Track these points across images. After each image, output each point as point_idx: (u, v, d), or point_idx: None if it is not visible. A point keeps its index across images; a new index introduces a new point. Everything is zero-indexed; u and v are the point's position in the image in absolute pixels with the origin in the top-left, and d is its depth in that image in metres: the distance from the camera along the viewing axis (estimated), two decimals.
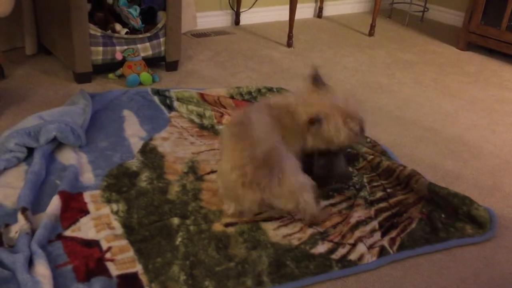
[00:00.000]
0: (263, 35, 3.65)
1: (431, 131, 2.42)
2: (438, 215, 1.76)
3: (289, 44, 3.43)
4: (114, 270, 1.42)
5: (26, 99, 2.39)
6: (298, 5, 3.40)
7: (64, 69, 2.72)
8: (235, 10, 3.78)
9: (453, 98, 2.81)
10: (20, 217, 1.53)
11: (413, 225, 1.71)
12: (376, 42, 3.70)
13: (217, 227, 1.61)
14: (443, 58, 3.44)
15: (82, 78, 2.58)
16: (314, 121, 1.62)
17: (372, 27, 3.81)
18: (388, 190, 1.89)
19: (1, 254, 1.39)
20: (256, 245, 1.54)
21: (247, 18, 3.86)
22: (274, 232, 1.61)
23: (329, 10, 4.30)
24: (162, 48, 2.75)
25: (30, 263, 1.38)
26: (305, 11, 4.16)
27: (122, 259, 1.46)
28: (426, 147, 2.27)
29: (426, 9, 4.30)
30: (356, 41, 3.70)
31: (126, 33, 2.65)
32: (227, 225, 1.62)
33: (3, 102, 2.27)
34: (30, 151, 1.89)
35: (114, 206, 1.67)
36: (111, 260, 1.45)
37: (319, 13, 4.23)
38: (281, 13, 3.89)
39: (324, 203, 1.78)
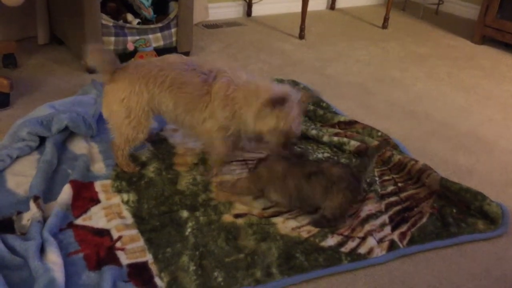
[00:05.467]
0: (275, 26, 3.63)
1: (444, 126, 2.39)
2: (449, 210, 1.74)
3: (301, 36, 3.40)
4: (125, 259, 1.43)
5: (38, 89, 2.40)
6: None
7: (75, 59, 2.73)
8: (247, 1, 3.76)
9: (467, 92, 2.78)
10: (32, 205, 1.55)
11: (424, 220, 1.69)
12: (390, 35, 3.66)
13: (227, 218, 1.62)
14: (458, 52, 3.40)
15: (93, 68, 2.58)
16: (278, 101, 1.61)
17: (386, 19, 3.77)
18: (399, 185, 1.87)
19: (14, 242, 1.41)
20: (266, 237, 1.54)
21: (259, 9, 3.85)
22: (283, 224, 1.61)
23: (342, 2, 4.27)
24: (174, 39, 2.75)
25: (42, 250, 1.39)
26: (317, 3, 4.12)
27: (133, 248, 1.47)
28: (439, 142, 2.24)
29: (441, 2, 4.25)
30: (369, 33, 3.67)
31: (138, 23, 2.65)
32: (236, 216, 1.62)
33: (16, 91, 2.29)
34: (42, 140, 1.90)
35: (125, 196, 1.68)
36: (122, 249, 1.46)
37: (331, 5, 4.19)
38: (293, 5, 3.87)
39: None
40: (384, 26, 3.79)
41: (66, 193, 1.63)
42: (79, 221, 1.55)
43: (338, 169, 1.60)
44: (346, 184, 1.57)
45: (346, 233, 1.60)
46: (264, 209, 1.68)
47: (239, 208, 1.67)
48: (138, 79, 1.70)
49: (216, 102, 1.70)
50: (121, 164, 1.80)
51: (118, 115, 1.72)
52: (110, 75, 1.73)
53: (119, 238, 1.50)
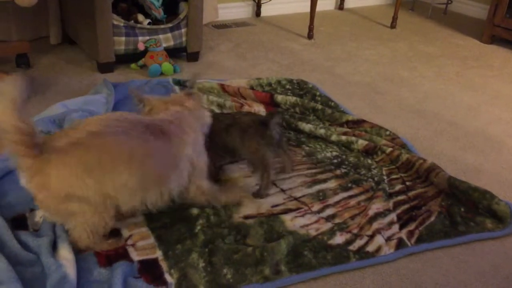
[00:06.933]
0: (284, 26, 3.64)
1: (452, 125, 2.39)
2: (457, 209, 1.75)
3: (310, 36, 3.41)
4: (135, 255, 1.45)
5: (51, 88, 2.43)
6: None
7: (87, 59, 2.77)
8: (256, 1, 3.78)
9: (475, 92, 2.78)
10: None
11: (432, 218, 1.70)
12: (398, 35, 3.66)
13: (237, 218, 1.63)
14: (466, 52, 3.39)
15: (105, 67, 2.61)
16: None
17: (394, 19, 3.77)
18: (407, 183, 1.88)
19: (27, 238, 1.43)
20: (274, 235, 1.56)
21: (268, 9, 3.86)
22: (292, 222, 1.63)
23: (351, 2, 4.27)
24: (184, 39, 2.77)
25: (54, 246, 1.41)
26: (326, 3, 4.13)
27: (143, 245, 1.49)
28: (447, 141, 2.25)
29: (449, 2, 4.24)
30: (377, 33, 3.67)
31: (149, 23, 2.68)
32: (246, 217, 1.64)
33: (29, 91, 2.32)
34: None
35: None
36: (132, 245, 1.48)
37: (340, 5, 4.20)
38: (302, 5, 3.88)
39: (342, 195, 1.79)
40: (393, 25, 3.79)
41: None
42: None
43: (248, 118, 1.76)
44: (255, 130, 1.72)
45: (354, 231, 1.61)
46: (273, 206, 1.70)
47: (249, 206, 1.68)
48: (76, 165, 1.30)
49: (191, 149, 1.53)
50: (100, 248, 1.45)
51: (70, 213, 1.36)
52: (33, 155, 1.27)
53: (130, 236, 1.52)
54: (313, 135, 2.14)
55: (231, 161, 1.90)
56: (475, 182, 1.88)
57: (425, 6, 4.35)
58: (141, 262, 1.43)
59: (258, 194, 1.74)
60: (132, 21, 2.63)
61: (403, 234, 1.62)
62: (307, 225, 1.62)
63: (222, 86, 2.46)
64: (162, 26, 2.67)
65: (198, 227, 1.57)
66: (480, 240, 1.64)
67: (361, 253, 1.53)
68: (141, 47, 2.62)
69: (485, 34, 3.55)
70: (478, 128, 2.38)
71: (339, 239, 1.57)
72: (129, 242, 1.49)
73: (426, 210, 1.74)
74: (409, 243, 1.58)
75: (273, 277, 1.41)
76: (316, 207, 1.71)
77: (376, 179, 1.88)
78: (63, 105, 2.03)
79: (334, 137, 2.10)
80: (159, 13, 2.72)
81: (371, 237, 1.59)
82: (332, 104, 2.44)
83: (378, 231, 1.61)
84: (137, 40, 2.61)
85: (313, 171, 1.91)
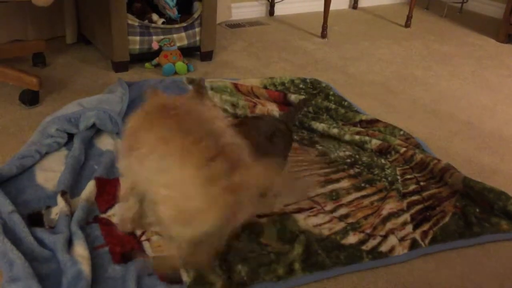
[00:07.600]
0: (297, 26, 3.64)
1: (468, 125, 2.37)
2: (472, 209, 1.73)
3: (323, 35, 3.41)
4: (151, 252, 1.46)
5: (66, 87, 2.46)
6: None
7: (102, 58, 2.79)
8: (270, 1, 3.78)
9: (491, 91, 2.75)
10: (60, 199, 1.59)
11: (446, 219, 1.69)
12: (413, 34, 3.63)
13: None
14: (482, 51, 3.36)
15: (119, 67, 2.64)
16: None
17: (409, 18, 3.74)
18: (421, 183, 1.87)
19: (43, 235, 1.45)
20: (288, 234, 1.56)
21: (281, 9, 3.86)
22: (305, 221, 1.63)
23: (365, 1, 4.25)
24: (197, 38, 2.78)
25: (70, 243, 1.43)
26: (340, 2, 4.12)
27: (157, 241, 1.50)
28: (462, 141, 2.23)
29: (465, 0, 4.19)
30: (392, 32, 3.65)
31: (163, 23, 2.69)
32: (259, 216, 1.64)
33: (45, 90, 2.35)
34: (70, 136, 1.95)
35: None
36: (147, 240, 1.49)
37: (354, 4, 4.18)
38: (316, 4, 3.87)
39: (356, 194, 1.78)
40: (407, 24, 3.76)
41: (89, 189, 1.66)
42: (105, 216, 1.59)
43: (276, 122, 1.76)
44: (288, 137, 1.75)
45: (367, 231, 1.60)
46: (285, 205, 1.70)
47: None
48: None
49: None
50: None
51: None
52: None
53: (143, 233, 1.53)
54: (326, 134, 2.14)
55: None
56: (491, 182, 1.86)
57: (440, 5, 4.31)
58: (156, 258, 1.44)
59: None
60: (147, 21, 2.64)
61: (417, 234, 1.61)
62: (320, 225, 1.62)
63: (235, 85, 2.47)
64: (176, 26, 2.68)
65: None
66: (495, 242, 1.63)
67: (374, 253, 1.52)
68: (155, 46, 2.64)
69: (501, 33, 3.51)
70: (494, 128, 2.36)
71: (352, 238, 1.57)
72: (143, 238, 1.51)
73: (440, 210, 1.73)
74: (422, 244, 1.58)
75: (286, 276, 1.41)
76: (329, 206, 1.71)
77: (389, 179, 1.88)
78: (79, 104, 2.05)
79: (347, 137, 2.10)
80: (173, 12, 2.73)
81: (385, 237, 1.58)
82: (346, 103, 2.43)
83: (391, 231, 1.60)
84: (151, 39, 2.63)
85: (326, 170, 1.91)
